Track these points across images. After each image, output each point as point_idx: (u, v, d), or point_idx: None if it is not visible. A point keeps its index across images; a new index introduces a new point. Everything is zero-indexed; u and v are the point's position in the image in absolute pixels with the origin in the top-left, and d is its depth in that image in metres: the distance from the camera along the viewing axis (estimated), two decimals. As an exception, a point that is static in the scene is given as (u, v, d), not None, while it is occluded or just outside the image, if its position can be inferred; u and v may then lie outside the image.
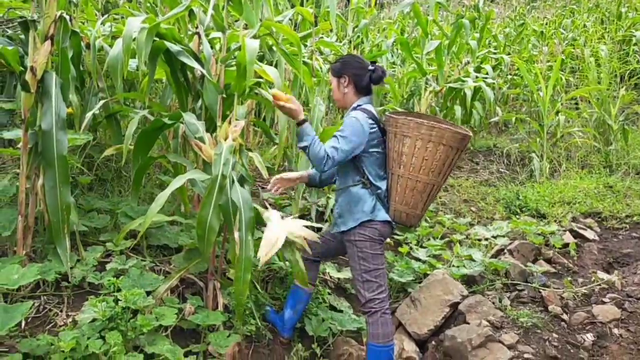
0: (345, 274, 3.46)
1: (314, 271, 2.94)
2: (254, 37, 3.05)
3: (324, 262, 3.42)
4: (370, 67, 2.67)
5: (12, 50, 2.46)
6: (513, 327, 2.92)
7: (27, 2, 4.35)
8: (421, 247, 4.11)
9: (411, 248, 3.96)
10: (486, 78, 6.61)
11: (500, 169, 6.65)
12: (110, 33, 3.53)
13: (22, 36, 2.86)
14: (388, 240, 4.09)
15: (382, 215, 2.65)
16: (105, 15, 3.40)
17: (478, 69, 7.20)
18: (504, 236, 4.14)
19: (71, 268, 2.72)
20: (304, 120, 2.58)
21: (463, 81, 6.17)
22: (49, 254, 2.76)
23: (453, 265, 3.66)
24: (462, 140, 2.59)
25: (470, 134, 2.66)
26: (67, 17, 2.84)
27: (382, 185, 2.67)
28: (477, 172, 6.59)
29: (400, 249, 3.92)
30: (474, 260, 3.71)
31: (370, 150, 2.64)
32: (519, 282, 3.39)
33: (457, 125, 2.78)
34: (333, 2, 4.05)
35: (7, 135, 2.97)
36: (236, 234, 2.68)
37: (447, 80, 6.38)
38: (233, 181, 2.77)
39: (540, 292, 3.24)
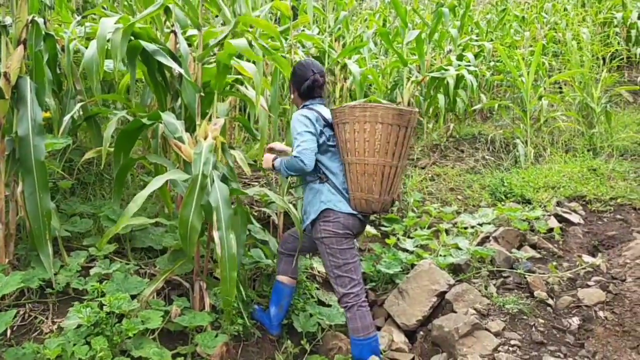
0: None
1: (291, 265, 2.97)
2: (232, 33, 3.02)
3: (305, 257, 3.44)
4: (311, 76, 2.88)
5: (-17, 56, 2.42)
6: (499, 314, 2.94)
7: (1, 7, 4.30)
8: (408, 237, 4.13)
9: (398, 239, 3.97)
10: (468, 66, 6.61)
11: (486, 156, 6.67)
12: (85, 35, 3.47)
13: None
14: (375, 232, 4.11)
15: (343, 206, 2.70)
16: (80, 17, 3.34)
17: (460, 57, 7.20)
18: (489, 223, 4.16)
19: (55, 274, 2.70)
20: (273, 164, 2.84)
21: (445, 70, 6.17)
22: (32, 261, 2.74)
23: (440, 255, 3.67)
24: (400, 117, 2.57)
25: (413, 110, 2.65)
26: (41, 21, 2.80)
27: (339, 178, 2.76)
28: (463, 160, 6.60)
29: (387, 240, 3.93)
30: (460, 249, 3.72)
31: (322, 144, 2.75)
32: (504, 269, 3.41)
33: (399, 107, 2.80)
34: (310, -5, 4.02)
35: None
36: (216, 234, 2.67)
37: (430, 70, 6.38)
38: (213, 180, 2.76)
39: (525, 277, 3.27)
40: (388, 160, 2.62)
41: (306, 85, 2.89)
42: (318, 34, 6.83)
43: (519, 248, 3.73)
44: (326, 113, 2.85)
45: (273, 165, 2.83)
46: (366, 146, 2.59)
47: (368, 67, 5.92)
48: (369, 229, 4.07)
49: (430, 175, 5.89)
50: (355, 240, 2.83)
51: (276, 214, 3.72)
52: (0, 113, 2.64)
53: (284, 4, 3.80)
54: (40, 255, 2.70)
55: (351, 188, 2.69)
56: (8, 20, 2.71)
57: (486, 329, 2.78)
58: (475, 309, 2.96)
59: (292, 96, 3.03)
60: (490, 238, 3.82)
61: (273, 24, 4.23)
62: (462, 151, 6.99)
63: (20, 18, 2.70)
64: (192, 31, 3.64)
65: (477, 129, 7.81)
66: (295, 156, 2.61)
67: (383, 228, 4.34)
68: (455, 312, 3.00)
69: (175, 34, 3.45)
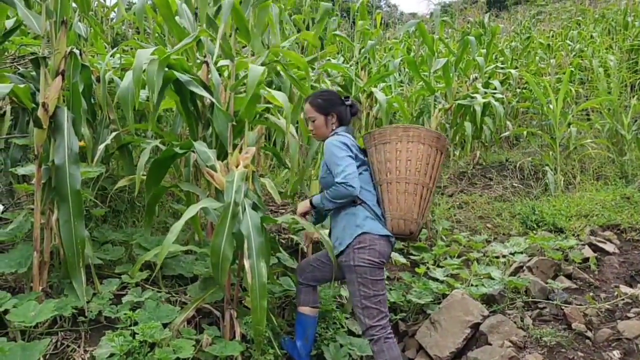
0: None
1: (313, 295, 2.91)
2: (262, 63, 3.07)
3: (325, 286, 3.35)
4: (348, 103, 2.86)
5: (24, 87, 2.49)
6: (537, 347, 2.85)
7: (38, 38, 4.44)
8: (438, 266, 4.06)
9: (428, 268, 3.90)
10: (495, 93, 6.59)
11: (514, 184, 6.59)
12: (120, 65, 3.56)
13: (34, 73, 2.89)
14: (404, 261, 4.05)
15: (379, 228, 2.63)
16: (115, 49, 3.42)
17: (486, 85, 7.19)
18: (521, 252, 4.08)
19: (87, 302, 2.71)
20: (311, 202, 2.81)
21: (472, 97, 6.16)
22: (65, 289, 2.76)
23: (472, 285, 3.60)
24: (438, 140, 2.68)
25: (445, 137, 2.76)
26: (77, 52, 2.88)
27: (373, 199, 2.72)
28: (491, 188, 6.52)
29: (417, 269, 3.87)
30: (492, 279, 3.65)
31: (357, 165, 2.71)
32: (540, 300, 3.32)
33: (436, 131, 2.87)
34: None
35: (21, 171, 2.98)
36: (247, 262, 2.66)
37: (456, 97, 6.37)
38: (245, 208, 2.76)
39: (562, 309, 3.17)
40: (426, 181, 2.65)
41: (352, 113, 2.89)
42: (343, 62, 6.90)
43: (554, 278, 3.63)
44: (354, 140, 2.85)
45: (312, 204, 2.80)
46: (408, 165, 2.62)
47: (393, 95, 5.95)
48: (398, 257, 4.02)
49: (458, 203, 5.82)
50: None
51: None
52: (38, 142, 2.69)
53: (310, 34, 3.86)
54: (73, 283, 2.72)
55: (389, 209, 2.66)
56: (47, 52, 2.78)
57: (524, 362, 2.70)
58: (511, 342, 2.87)
59: (331, 127, 2.86)
60: (524, 268, 3.73)
61: (300, 54, 4.27)
62: (490, 179, 6.92)
63: (59, 50, 2.77)
64: (223, 62, 3.71)
65: (504, 156, 7.75)
66: (341, 183, 2.56)
67: (412, 257, 4.28)
68: (490, 344, 2.92)
69: (207, 64, 3.52)
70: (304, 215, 2.89)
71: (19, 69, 3.09)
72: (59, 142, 2.72)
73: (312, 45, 4.04)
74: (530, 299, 3.34)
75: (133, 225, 3.67)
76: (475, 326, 3.09)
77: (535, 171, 6.81)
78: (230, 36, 3.07)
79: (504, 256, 4.13)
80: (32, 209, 2.79)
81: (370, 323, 2.59)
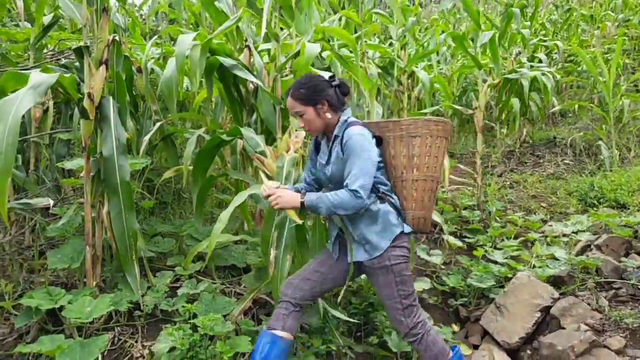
0: (422, 284, 3.27)
1: (299, 320, 2.39)
2: (309, 42, 2.93)
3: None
4: (335, 83, 2.37)
5: (70, 77, 2.41)
6: (617, 330, 2.66)
7: (76, 33, 4.40)
8: (496, 248, 3.87)
9: (486, 251, 3.72)
10: (542, 67, 6.29)
11: (566, 161, 6.30)
12: (162, 54, 3.47)
13: (77, 64, 2.82)
14: (460, 244, 3.88)
15: (407, 227, 2.34)
16: (155, 37, 3.33)
17: (531, 59, 6.89)
18: (585, 231, 3.85)
19: (142, 296, 2.64)
20: (302, 202, 2.25)
21: (517, 72, 5.88)
22: (119, 283, 2.70)
23: (535, 266, 3.41)
24: (450, 132, 2.57)
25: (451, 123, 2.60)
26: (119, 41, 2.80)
27: (394, 195, 2.38)
28: (542, 166, 6.26)
29: (474, 252, 3.70)
30: (557, 259, 3.44)
31: (378, 161, 2.33)
32: (614, 280, 3.11)
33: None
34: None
35: (68, 165, 2.93)
36: (272, 253, 2.56)
37: (501, 73, 6.11)
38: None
39: (639, 288, 2.96)
40: (439, 175, 2.48)
41: (336, 91, 2.35)
42: (379, 43, 6.70)
43: (626, 256, 3.41)
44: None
45: (303, 205, 2.25)
46: (434, 162, 2.42)
47: (435, 74, 5.74)
48: (453, 240, 3.85)
49: (508, 183, 5.59)
50: None
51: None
52: (85, 134, 2.63)
53: (352, 13, 3.70)
54: (127, 277, 2.66)
55: (411, 207, 2.38)
56: (89, 41, 2.71)
57: (606, 347, 2.51)
58: (587, 325, 2.69)
59: (325, 117, 2.32)
60: (592, 247, 3.52)
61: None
62: (539, 157, 6.65)
63: (101, 38, 2.69)
64: (264, 45, 3.59)
65: (552, 133, 7.44)
66: (353, 190, 2.14)
67: (466, 239, 4.11)
68: (564, 328, 2.74)
69: (249, 48, 3.41)
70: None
71: (61, 61, 3.01)
72: (106, 133, 2.65)
73: (357, 23, 3.87)
74: (602, 280, 3.13)
75: (180, 217, 3.60)
76: (546, 309, 2.91)
77: (588, 146, 6.50)
78: (274, 16, 2.93)
79: (565, 235, 3.91)
80: (82, 203, 2.74)
81: (412, 322, 2.31)
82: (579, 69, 8.23)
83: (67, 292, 2.49)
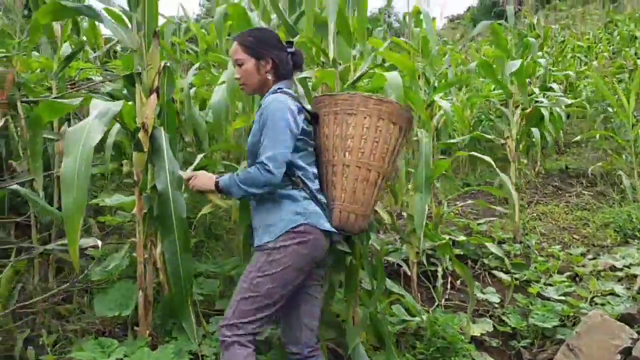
0: (484, 326, 3.08)
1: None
2: (368, 69, 2.78)
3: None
4: (290, 50, 2.17)
5: (130, 106, 2.22)
6: None
7: (89, 62, 4.22)
8: (545, 284, 3.70)
9: (541, 287, 3.54)
10: (559, 96, 6.25)
11: (584, 191, 6.21)
12: (205, 81, 3.30)
13: (125, 91, 2.62)
14: (510, 279, 3.69)
15: (324, 222, 2.01)
16: (196, 65, 3.15)
17: (543, 88, 6.86)
18: (638, 264, 3.71)
19: (199, 345, 2.40)
20: (217, 182, 2.08)
21: (538, 101, 5.83)
22: (172, 330, 2.45)
23: (596, 304, 3.24)
24: (408, 120, 2.15)
25: (411, 113, 2.20)
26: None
27: (316, 182, 2.10)
28: (561, 196, 6.16)
29: (529, 289, 3.51)
30: (617, 295, 3.28)
31: (300, 138, 2.05)
32: (690, 317, 2.95)
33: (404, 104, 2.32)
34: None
35: (109, 201, 2.70)
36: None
37: (516, 102, 6.05)
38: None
39: None
40: (387, 169, 2.11)
41: (287, 60, 2.14)
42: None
43: (692, 290, 3.27)
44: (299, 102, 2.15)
45: (217, 186, 2.07)
46: (374, 147, 2.04)
47: (453, 103, 5.66)
48: (503, 276, 3.67)
49: (535, 214, 5.46)
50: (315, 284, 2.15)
51: (407, 262, 3.37)
52: (138, 167, 2.41)
53: (378, 40, 3.58)
54: (183, 324, 2.41)
55: (340, 197, 2.05)
56: (139, 68, 2.51)
57: None
58: (677, 368, 2.51)
59: (263, 75, 2.13)
60: (654, 281, 3.37)
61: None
62: (557, 187, 6.56)
63: (152, 65, 2.50)
64: (304, 73, 3.42)
65: (562, 163, 7.39)
66: (262, 163, 1.91)
67: (514, 275, 3.93)
68: (650, 371, 2.55)
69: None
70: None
71: (106, 88, 2.81)
72: (158, 166, 2.43)
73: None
74: (676, 317, 2.96)
75: (219, 255, 3.37)
76: (626, 351, 2.72)
77: (604, 176, 6.44)
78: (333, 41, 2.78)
79: (615, 269, 3.76)
80: (133, 242, 2.49)
81: (235, 320, 1.94)
82: (580, 99, 8.30)
83: (119, 344, 2.24)
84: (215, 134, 2.86)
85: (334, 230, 2.03)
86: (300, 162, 2.05)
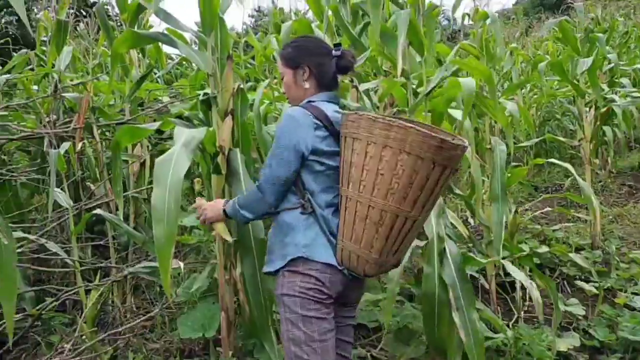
0: (570, 341, 2.94)
1: None
2: (442, 78, 2.72)
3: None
4: (335, 52, 1.93)
5: (212, 132, 2.24)
6: None
7: (154, 82, 4.33)
8: (632, 294, 3.51)
9: (627, 297, 3.37)
10: (632, 93, 5.95)
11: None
12: (275, 98, 3.32)
13: (201, 115, 2.66)
14: (595, 290, 3.52)
15: (323, 254, 1.79)
16: (265, 82, 3.18)
17: (612, 84, 6.56)
18: None
19: (280, 365, 2.40)
20: (224, 210, 1.96)
21: (605, 98, 5.57)
22: (253, 350, 2.47)
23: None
24: (438, 150, 1.63)
25: (462, 144, 1.68)
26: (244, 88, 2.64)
27: (330, 209, 1.85)
28: (636, 196, 5.87)
29: (615, 299, 3.34)
30: None
31: (312, 159, 1.82)
32: None
33: (440, 129, 1.88)
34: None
35: (187, 222, 2.75)
36: (456, 315, 2.27)
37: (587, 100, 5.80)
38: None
39: None
40: (405, 208, 1.68)
41: (338, 66, 1.93)
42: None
43: None
44: (332, 113, 1.88)
45: (225, 212, 1.96)
46: (377, 180, 1.68)
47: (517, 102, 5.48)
48: (586, 286, 3.51)
49: (610, 217, 5.22)
50: (349, 308, 1.99)
51: (484, 275, 3.28)
52: (217, 190, 2.44)
53: (470, 46, 3.49)
54: (264, 343, 2.42)
55: (341, 232, 1.78)
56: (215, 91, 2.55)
57: None
58: None
59: (302, 85, 1.95)
60: None
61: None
62: (631, 186, 6.26)
63: (226, 88, 2.53)
64: (367, 84, 3.39)
65: (635, 160, 7.06)
66: (258, 183, 1.85)
67: (593, 283, 3.75)
68: None
69: (357, 88, 3.25)
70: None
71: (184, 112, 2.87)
72: (235, 188, 2.44)
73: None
74: None
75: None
76: None
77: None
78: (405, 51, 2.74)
79: None
80: (213, 263, 2.53)
81: None
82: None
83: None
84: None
85: (334, 263, 1.80)
86: (312, 185, 1.83)
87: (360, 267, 1.76)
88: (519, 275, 2.63)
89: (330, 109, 1.87)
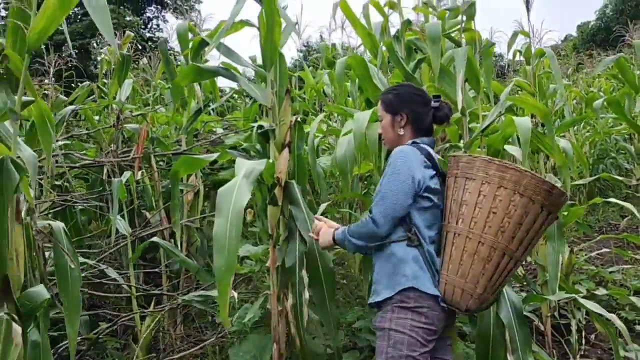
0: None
1: None
2: (498, 115, 2.71)
3: None
4: (434, 104, 2.07)
5: (271, 163, 2.29)
6: None
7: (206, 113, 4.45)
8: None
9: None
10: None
11: None
12: (327, 131, 3.36)
13: (258, 147, 2.73)
14: None
15: (430, 286, 1.85)
16: (320, 116, 3.23)
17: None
18: None
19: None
20: (333, 237, 2.05)
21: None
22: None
23: None
24: (548, 195, 1.77)
25: (565, 193, 1.84)
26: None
27: (432, 247, 1.92)
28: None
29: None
30: None
31: (422, 194, 1.91)
32: None
33: (550, 181, 1.91)
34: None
35: (243, 252, 2.78)
36: (511, 357, 2.20)
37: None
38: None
39: None
40: (512, 247, 1.79)
41: (435, 117, 2.08)
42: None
43: None
44: (434, 155, 2.05)
45: (334, 239, 2.04)
46: (489, 218, 1.79)
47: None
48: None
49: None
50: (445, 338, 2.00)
51: (538, 317, 3.17)
52: (273, 221, 2.48)
53: (524, 83, 3.48)
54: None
55: (447, 268, 1.86)
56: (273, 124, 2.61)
57: None
58: None
59: (398, 130, 2.09)
60: None
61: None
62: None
63: (284, 120, 2.59)
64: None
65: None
66: (371, 214, 1.88)
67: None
68: None
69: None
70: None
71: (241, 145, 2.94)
72: (298, 219, 2.47)
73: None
74: None
75: (341, 304, 3.35)
76: None
77: None
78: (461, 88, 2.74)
79: None
80: (266, 294, 2.55)
81: None
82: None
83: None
84: (341, 183, 2.88)
85: (439, 295, 1.86)
86: (418, 220, 1.91)
87: (463, 302, 1.83)
88: (595, 307, 2.49)
89: (432, 152, 2.02)
